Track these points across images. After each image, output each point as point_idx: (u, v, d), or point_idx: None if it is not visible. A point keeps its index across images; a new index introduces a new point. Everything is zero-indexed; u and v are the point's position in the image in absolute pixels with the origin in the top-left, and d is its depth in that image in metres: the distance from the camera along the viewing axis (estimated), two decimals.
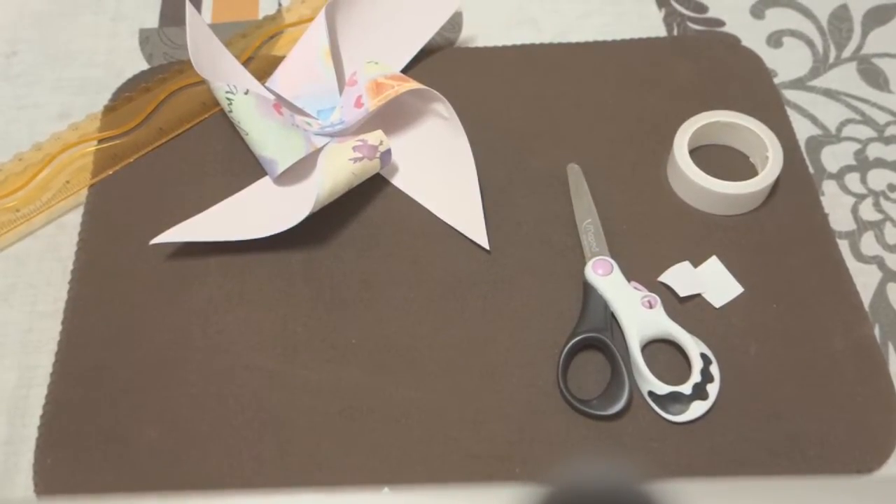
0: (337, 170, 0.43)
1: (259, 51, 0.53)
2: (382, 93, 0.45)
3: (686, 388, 0.38)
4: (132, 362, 0.40)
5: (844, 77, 0.52)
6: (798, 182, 0.46)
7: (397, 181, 0.46)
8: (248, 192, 0.45)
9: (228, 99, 0.44)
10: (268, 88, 0.48)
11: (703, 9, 0.56)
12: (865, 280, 0.44)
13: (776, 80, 0.52)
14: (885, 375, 0.40)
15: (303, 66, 0.48)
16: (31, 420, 0.39)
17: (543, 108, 0.50)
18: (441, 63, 0.52)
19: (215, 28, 0.54)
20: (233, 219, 0.44)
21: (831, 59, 0.53)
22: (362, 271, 0.43)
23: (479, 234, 0.44)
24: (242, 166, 0.47)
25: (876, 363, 0.40)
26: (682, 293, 0.42)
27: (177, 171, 0.47)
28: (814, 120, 0.50)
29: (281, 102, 0.46)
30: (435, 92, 0.44)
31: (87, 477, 0.37)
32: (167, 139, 0.48)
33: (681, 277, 0.42)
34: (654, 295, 0.41)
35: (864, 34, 0.55)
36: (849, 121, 0.50)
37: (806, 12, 0.56)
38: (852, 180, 0.48)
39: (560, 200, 0.46)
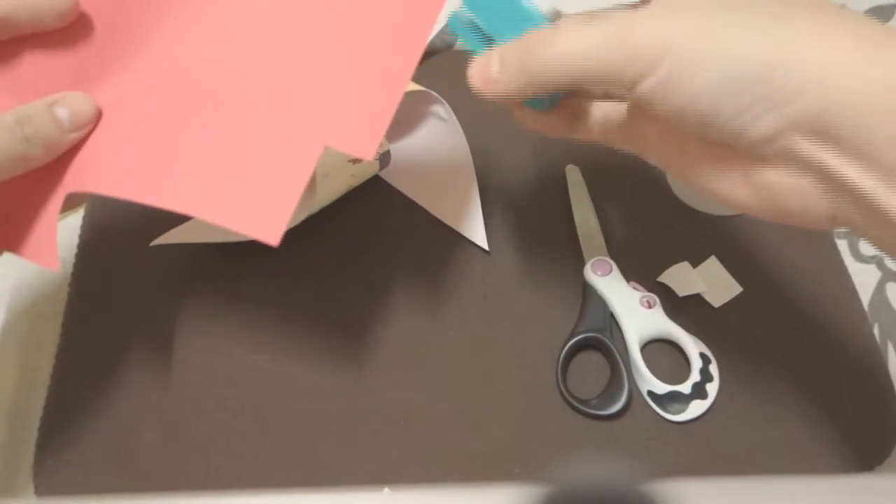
0: (336, 171, 0.43)
1: None
2: None
3: (685, 388, 0.38)
4: (132, 363, 0.40)
5: None
6: None
7: (396, 183, 0.47)
8: None
9: None
10: None
11: None
12: (864, 280, 0.44)
13: None
14: (884, 375, 0.40)
15: None
16: (31, 421, 0.39)
17: None
18: (440, 65, 0.52)
19: None
20: None
21: None
22: (362, 272, 0.43)
23: (478, 234, 0.44)
24: None
25: (875, 362, 0.40)
26: (681, 293, 0.42)
27: None
28: None
29: None
30: (434, 94, 0.44)
31: (87, 478, 0.37)
32: None
33: (680, 277, 0.42)
34: (653, 295, 0.41)
35: None
36: None
37: None
38: None
39: (559, 201, 0.46)
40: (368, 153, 0.29)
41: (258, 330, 0.41)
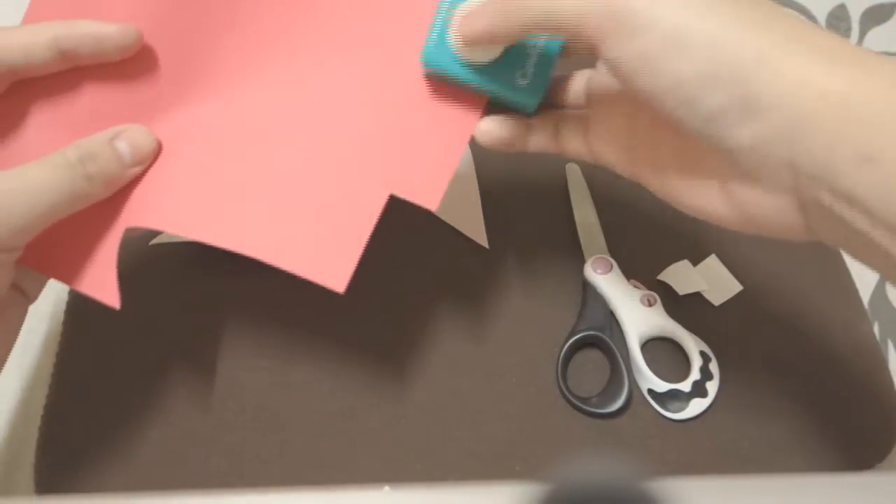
0: None
1: None
2: None
3: (685, 386, 0.38)
4: (132, 363, 0.40)
5: None
6: None
7: None
8: None
9: None
10: None
11: None
12: (865, 278, 0.44)
13: None
14: (884, 373, 0.40)
15: None
16: (31, 420, 0.39)
17: None
18: None
19: None
20: None
21: None
22: (362, 270, 0.43)
23: (478, 232, 0.44)
24: None
25: (875, 360, 0.40)
26: (682, 291, 0.42)
27: None
28: None
29: None
30: None
31: (88, 477, 0.37)
32: None
33: (680, 275, 0.42)
34: (653, 293, 0.41)
35: (863, 34, 0.55)
36: None
37: (804, 12, 0.56)
38: None
39: (559, 200, 0.46)
40: (433, 203, 0.29)
41: (258, 329, 0.41)
